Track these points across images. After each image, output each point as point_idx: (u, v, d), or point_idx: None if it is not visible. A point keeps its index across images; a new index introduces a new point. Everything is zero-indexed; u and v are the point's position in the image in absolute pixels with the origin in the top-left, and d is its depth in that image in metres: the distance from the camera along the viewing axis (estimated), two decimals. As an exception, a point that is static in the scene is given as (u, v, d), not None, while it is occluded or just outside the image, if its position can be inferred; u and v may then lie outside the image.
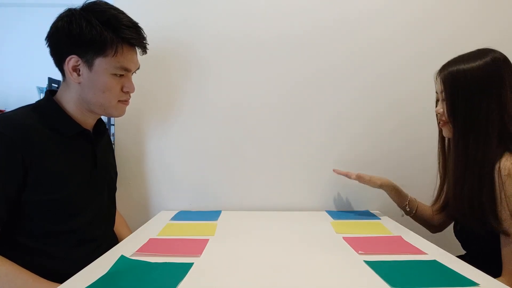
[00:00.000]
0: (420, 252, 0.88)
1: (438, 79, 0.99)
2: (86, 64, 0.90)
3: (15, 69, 3.86)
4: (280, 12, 1.35)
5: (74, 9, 0.91)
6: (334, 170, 1.32)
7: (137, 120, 1.38)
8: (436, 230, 1.20)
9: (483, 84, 0.90)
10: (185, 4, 1.36)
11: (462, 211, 0.94)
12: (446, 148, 1.08)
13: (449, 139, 1.06)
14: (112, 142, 1.32)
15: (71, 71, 0.90)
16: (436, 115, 1.05)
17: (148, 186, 1.39)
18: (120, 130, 1.39)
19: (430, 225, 1.19)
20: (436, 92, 1.03)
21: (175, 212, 1.32)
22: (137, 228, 1.11)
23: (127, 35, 0.92)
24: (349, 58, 1.36)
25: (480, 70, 0.90)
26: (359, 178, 1.23)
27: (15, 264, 0.80)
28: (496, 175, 0.87)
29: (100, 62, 0.90)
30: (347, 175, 1.27)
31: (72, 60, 0.89)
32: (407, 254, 0.87)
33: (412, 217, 1.20)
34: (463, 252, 1.06)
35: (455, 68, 0.94)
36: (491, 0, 1.36)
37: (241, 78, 1.37)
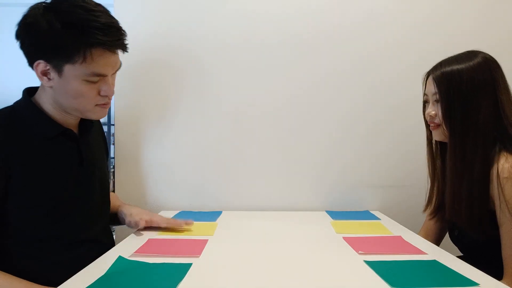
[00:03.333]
0: (420, 252, 0.88)
1: (430, 80, 0.97)
2: (55, 69, 0.81)
3: (14, 69, 3.85)
4: (284, 13, 1.35)
5: (38, 7, 0.79)
6: None
7: (137, 120, 1.38)
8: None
9: (478, 84, 0.89)
10: (186, 5, 1.35)
11: (460, 216, 0.92)
12: (434, 150, 1.06)
13: (437, 142, 1.04)
14: (112, 142, 1.30)
15: (41, 75, 0.82)
16: (425, 117, 1.03)
17: (148, 186, 1.38)
18: (120, 130, 1.38)
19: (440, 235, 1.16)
20: (426, 94, 1.01)
21: (175, 212, 1.32)
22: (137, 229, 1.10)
23: (98, 39, 0.79)
24: (352, 62, 1.36)
25: (474, 70, 0.90)
26: None
27: (6, 273, 0.78)
28: (494, 178, 0.85)
29: (69, 69, 0.80)
30: None
31: (40, 65, 0.81)
32: (407, 254, 0.87)
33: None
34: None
35: (448, 69, 0.93)
36: (495, 4, 1.35)
37: (242, 79, 1.37)
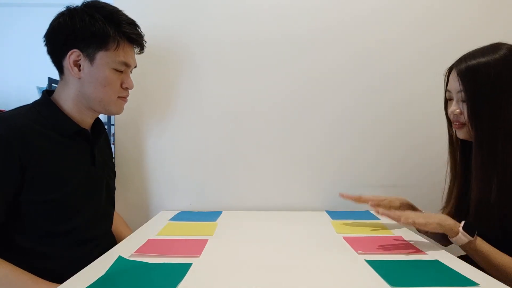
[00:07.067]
0: (421, 251, 0.88)
1: (454, 76, 0.90)
2: (87, 58, 0.91)
3: (15, 69, 3.86)
4: (281, 12, 1.35)
5: (75, 7, 0.93)
6: (341, 195, 1.16)
7: (137, 120, 1.38)
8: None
9: (507, 78, 0.83)
10: (184, 3, 1.35)
11: (488, 222, 0.86)
12: (456, 150, 1.01)
13: (461, 141, 0.98)
14: (112, 142, 1.32)
15: (72, 65, 0.91)
16: (448, 116, 0.97)
17: (148, 186, 1.38)
18: (120, 130, 1.38)
19: (447, 238, 1.15)
20: (449, 91, 0.94)
21: (175, 212, 1.32)
22: (137, 228, 1.10)
23: (128, 30, 0.95)
24: (351, 59, 1.35)
25: (502, 63, 0.84)
26: (375, 206, 1.05)
27: (13, 265, 0.80)
28: None
29: (101, 56, 0.92)
30: (358, 200, 1.13)
31: (73, 55, 0.90)
32: (407, 254, 0.87)
33: (428, 234, 1.10)
34: (463, 252, 1.04)
35: (474, 62, 0.86)
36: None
37: (242, 78, 1.37)
